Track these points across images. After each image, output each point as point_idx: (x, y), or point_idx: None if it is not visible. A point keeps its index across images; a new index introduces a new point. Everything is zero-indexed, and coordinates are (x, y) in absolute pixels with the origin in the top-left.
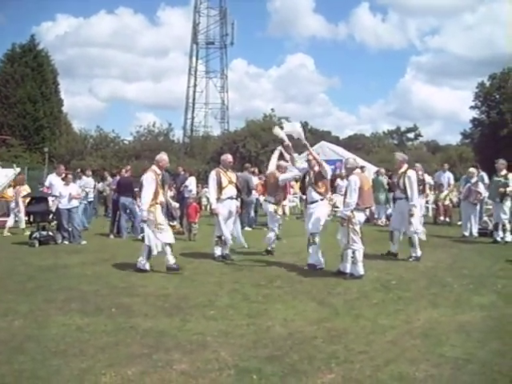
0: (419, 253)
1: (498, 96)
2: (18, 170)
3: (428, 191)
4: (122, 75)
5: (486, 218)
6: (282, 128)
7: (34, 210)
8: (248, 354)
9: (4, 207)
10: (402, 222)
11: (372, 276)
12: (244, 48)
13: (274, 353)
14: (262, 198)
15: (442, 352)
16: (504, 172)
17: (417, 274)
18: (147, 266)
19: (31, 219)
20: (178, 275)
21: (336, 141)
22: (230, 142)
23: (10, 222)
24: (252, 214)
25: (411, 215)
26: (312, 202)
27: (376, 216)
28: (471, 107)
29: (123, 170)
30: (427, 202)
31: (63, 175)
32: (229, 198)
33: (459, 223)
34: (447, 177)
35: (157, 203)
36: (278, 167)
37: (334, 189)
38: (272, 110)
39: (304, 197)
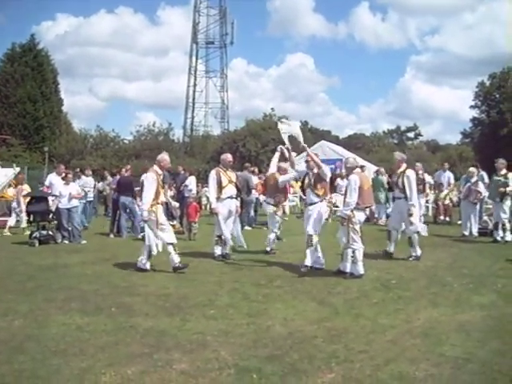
0: (419, 252)
1: (497, 95)
2: (18, 169)
3: (428, 191)
4: (122, 75)
5: (485, 218)
6: (282, 123)
7: (34, 210)
8: (248, 354)
9: (4, 207)
10: (400, 222)
11: (372, 275)
12: (244, 47)
13: (274, 352)
14: (261, 198)
15: (442, 351)
16: (504, 171)
17: (417, 273)
18: (148, 266)
19: (31, 219)
20: (178, 274)
21: (336, 140)
22: (230, 142)
23: (12, 221)
24: (252, 213)
25: (410, 215)
26: (311, 204)
27: (376, 215)
28: (471, 106)
29: (123, 170)
30: (427, 202)
31: (63, 175)
32: (229, 197)
33: (459, 222)
34: (447, 176)
35: (158, 203)
36: (279, 169)
37: (334, 188)
38: (272, 109)
39: (304, 196)
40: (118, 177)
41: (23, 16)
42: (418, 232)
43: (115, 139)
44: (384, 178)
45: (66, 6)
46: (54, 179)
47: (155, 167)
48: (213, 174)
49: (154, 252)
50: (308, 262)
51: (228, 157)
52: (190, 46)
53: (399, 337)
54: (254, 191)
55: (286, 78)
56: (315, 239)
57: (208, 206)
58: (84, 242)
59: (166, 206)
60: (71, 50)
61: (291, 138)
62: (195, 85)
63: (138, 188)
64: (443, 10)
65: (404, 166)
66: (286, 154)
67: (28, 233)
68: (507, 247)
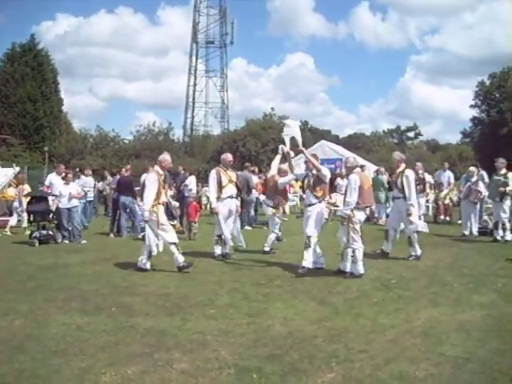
0: (419, 252)
1: (497, 95)
2: (18, 169)
3: (428, 190)
4: (122, 74)
5: (486, 217)
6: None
7: (34, 210)
8: (248, 353)
9: (4, 207)
10: (399, 222)
11: (372, 275)
12: (244, 47)
13: (274, 352)
14: (261, 197)
15: (442, 351)
16: (504, 171)
17: (417, 272)
18: (148, 266)
19: (31, 218)
20: (177, 274)
21: (336, 140)
22: (230, 141)
23: (13, 221)
24: (252, 213)
25: (409, 214)
26: (309, 205)
27: (376, 215)
28: (471, 106)
29: (123, 170)
30: (427, 201)
31: (63, 174)
32: (229, 197)
33: (459, 222)
34: (447, 176)
35: (159, 203)
36: (279, 171)
37: (334, 188)
38: (272, 109)
39: (304, 196)
40: (118, 177)
41: (23, 16)
42: (417, 231)
43: (115, 139)
44: (384, 178)
45: (66, 5)
46: (54, 179)
47: (156, 167)
48: (213, 174)
49: (154, 252)
50: (305, 263)
51: (228, 156)
52: (190, 45)
53: (399, 336)
54: (254, 191)
55: (285, 78)
56: (314, 240)
57: (208, 206)
58: (84, 241)
59: (166, 205)
60: (71, 49)
61: (292, 139)
62: (195, 84)
63: (138, 188)
64: (443, 10)
65: (403, 165)
66: (287, 156)
67: (28, 232)
68: (507, 247)
